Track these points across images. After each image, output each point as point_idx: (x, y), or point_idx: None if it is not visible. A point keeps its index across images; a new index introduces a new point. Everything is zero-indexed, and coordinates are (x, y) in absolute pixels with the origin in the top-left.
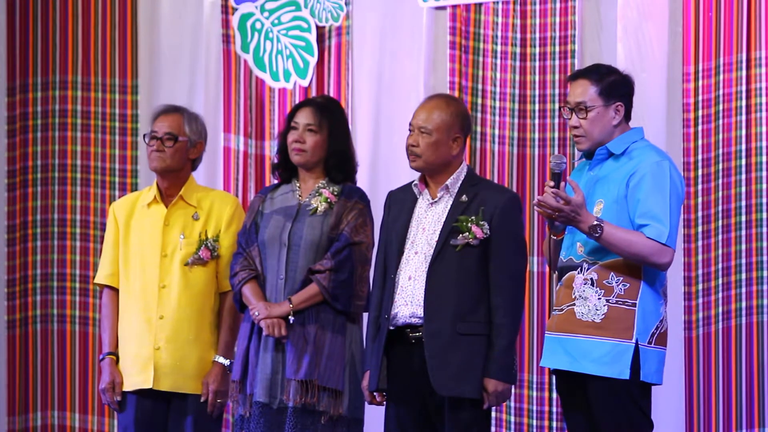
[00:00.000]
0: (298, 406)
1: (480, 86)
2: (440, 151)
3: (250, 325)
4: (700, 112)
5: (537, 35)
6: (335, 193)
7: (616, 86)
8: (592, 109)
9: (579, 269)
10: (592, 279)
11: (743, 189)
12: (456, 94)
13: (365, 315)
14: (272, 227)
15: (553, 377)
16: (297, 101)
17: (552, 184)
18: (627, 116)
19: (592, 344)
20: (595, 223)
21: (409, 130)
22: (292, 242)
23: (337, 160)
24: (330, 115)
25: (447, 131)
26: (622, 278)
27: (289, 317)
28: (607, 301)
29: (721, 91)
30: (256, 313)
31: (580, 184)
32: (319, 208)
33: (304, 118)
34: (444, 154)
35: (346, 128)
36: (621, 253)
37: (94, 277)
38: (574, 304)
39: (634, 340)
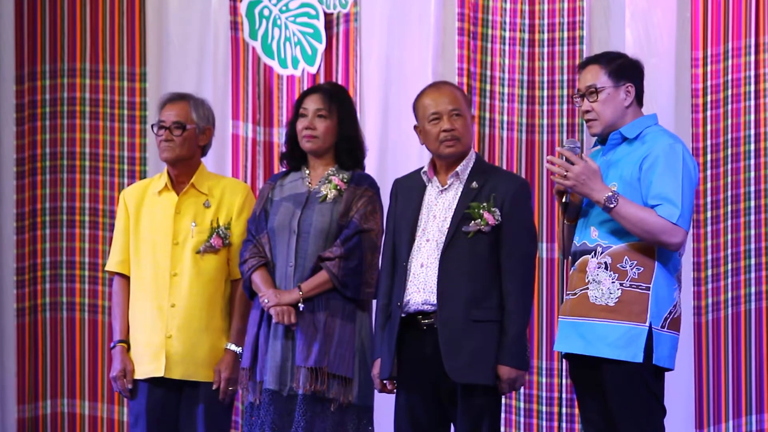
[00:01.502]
0: (308, 393)
1: (488, 72)
2: (470, 131)
3: (260, 312)
4: (708, 98)
5: (545, 21)
6: (345, 180)
7: (624, 68)
8: (602, 90)
9: (593, 253)
10: (606, 263)
11: (752, 174)
12: (464, 80)
13: (375, 302)
14: (282, 214)
15: (564, 362)
16: (305, 88)
17: (563, 148)
18: (639, 100)
19: (606, 328)
20: (611, 193)
21: (434, 118)
22: (301, 229)
23: (348, 145)
24: (338, 100)
25: (468, 112)
26: (636, 262)
27: (299, 305)
28: (621, 284)
29: (729, 77)
30: (266, 301)
31: None
32: (328, 196)
33: (313, 103)
34: (472, 134)
35: (354, 114)
36: (632, 228)
37: (103, 265)
38: (587, 288)
39: (647, 324)
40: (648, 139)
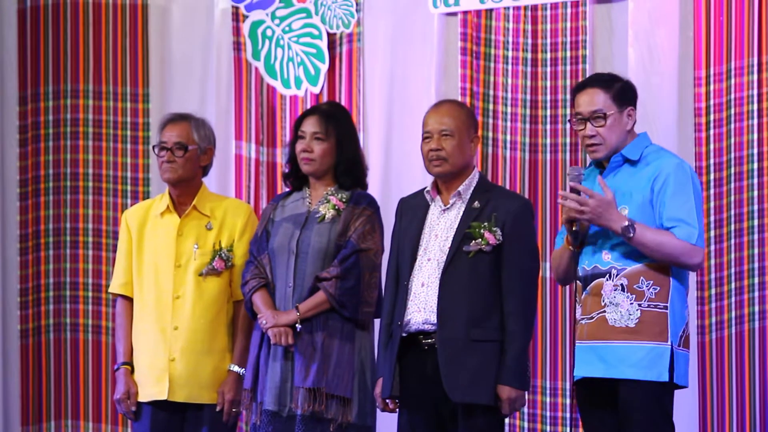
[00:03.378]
0: (307, 413)
1: (491, 92)
2: (464, 153)
3: (261, 333)
4: (711, 116)
5: (548, 41)
6: (343, 200)
7: (625, 92)
8: (610, 116)
9: (607, 276)
10: (622, 285)
11: (755, 193)
12: (467, 99)
13: (377, 321)
14: (281, 235)
15: (568, 383)
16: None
17: (572, 180)
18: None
19: (629, 349)
20: (628, 223)
21: (426, 137)
22: (300, 250)
23: (346, 166)
24: (336, 121)
25: (467, 132)
26: (652, 282)
27: (297, 325)
28: (639, 305)
29: (732, 95)
30: (264, 322)
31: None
32: (326, 216)
33: (310, 126)
34: (467, 155)
35: (353, 133)
36: (652, 253)
37: (106, 286)
38: (604, 311)
39: (669, 343)
40: (651, 160)
